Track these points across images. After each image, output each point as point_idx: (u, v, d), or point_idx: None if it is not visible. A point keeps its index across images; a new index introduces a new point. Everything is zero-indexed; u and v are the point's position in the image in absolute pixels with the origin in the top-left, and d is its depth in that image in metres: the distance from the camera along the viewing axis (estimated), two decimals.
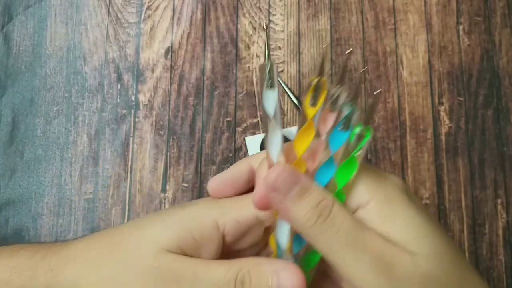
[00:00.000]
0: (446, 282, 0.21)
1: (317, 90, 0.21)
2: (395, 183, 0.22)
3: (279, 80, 0.41)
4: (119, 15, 0.42)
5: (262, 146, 0.39)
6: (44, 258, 0.27)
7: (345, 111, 0.20)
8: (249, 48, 0.41)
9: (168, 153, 0.39)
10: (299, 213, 0.21)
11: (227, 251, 0.25)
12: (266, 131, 0.22)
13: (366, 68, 0.40)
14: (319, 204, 0.21)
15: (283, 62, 0.41)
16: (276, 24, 0.42)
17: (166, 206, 0.38)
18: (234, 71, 0.41)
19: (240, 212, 0.24)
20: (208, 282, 0.23)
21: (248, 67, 0.41)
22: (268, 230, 0.25)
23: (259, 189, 0.22)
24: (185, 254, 0.24)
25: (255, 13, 0.42)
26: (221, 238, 0.24)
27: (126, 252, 0.25)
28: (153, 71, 0.41)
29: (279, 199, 0.21)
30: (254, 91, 0.40)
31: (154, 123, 0.40)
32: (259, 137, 0.38)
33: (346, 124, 0.21)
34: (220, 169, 0.38)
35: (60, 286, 0.26)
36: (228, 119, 0.40)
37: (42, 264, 0.27)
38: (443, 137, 0.40)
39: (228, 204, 0.24)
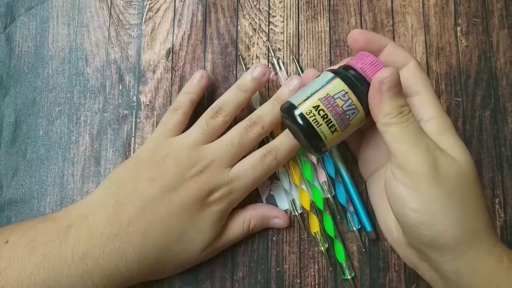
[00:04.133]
0: (470, 180, 0.29)
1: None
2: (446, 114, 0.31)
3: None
4: (120, 16, 0.42)
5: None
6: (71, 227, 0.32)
7: None
8: (249, 49, 0.42)
9: None
10: (387, 107, 0.29)
11: None
12: None
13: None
14: (403, 106, 0.29)
15: (282, 64, 0.41)
16: (276, 26, 0.42)
17: None
18: (234, 72, 0.41)
19: None
20: (232, 241, 0.36)
21: (248, 67, 0.41)
22: None
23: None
24: None
25: (255, 14, 0.42)
26: None
27: None
28: (154, 72, 0.41)
29: (377, 93, 0.29)
30: None
31: (155, 123, 0.40)
32: None
33: None
34: None
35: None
36: None
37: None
38: None
39: None
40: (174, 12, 0.42)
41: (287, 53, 0.41)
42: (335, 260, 0.38)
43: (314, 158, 0.39)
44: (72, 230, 0.31)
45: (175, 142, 0.35)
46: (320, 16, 0.42)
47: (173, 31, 0.42)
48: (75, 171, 0.40)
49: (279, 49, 0.42)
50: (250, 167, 0.35)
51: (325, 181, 0.38)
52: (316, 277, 0.38)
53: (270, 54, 0.41)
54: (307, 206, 0.38)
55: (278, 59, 0.41)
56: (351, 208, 0.38)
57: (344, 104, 0.30)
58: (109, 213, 0.32)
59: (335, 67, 0.33)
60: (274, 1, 0.42)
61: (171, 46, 0.42)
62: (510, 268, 0.28)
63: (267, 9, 0.42)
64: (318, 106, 0.30)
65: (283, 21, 0.42)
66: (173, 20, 0.42)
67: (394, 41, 0.42)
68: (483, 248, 0.28)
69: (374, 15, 0.42)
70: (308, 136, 0.31)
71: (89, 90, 0.41)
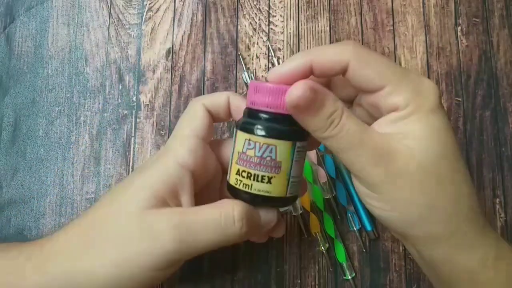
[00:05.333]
0: (437, 173, 0.25)
1: None
2: (430, 92, 0.25)
3: None
4: (120, 16, 0.42)
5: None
6: (30, 257, 0.28)
7: None
8: (249, 49, 0.41)
9: None
10: (314, 124, 0.25)
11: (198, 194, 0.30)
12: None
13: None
14: (331, 115, 0.25)
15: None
16: (276, 26, 0.42)
17: None
18: (234, 72, 0.41)
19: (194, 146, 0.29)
20: (204, 224, 0.27)
21: (248, 68, 0.41)
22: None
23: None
24: (167, 204, 0.28)
25: (255, 14, 0.42)
26: (191, 176, 0.28)
27: (110, 228, 0.28)
28: (154, 72, 0.41)
29: (297, 114, 0.25)
30: None
31: (155, 123, 0.40)
32: None
33: None
34: None
35: (49, 282, 0.27)
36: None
37: (29, 263, 0.28)
38: None
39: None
40: (174, 12, 0.42)
41: (287, 53, 0.41)
42: (335, 260, 0.38)
43: (314, 158, 0.39)
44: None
45: None
46: (320, 16, 0.42)
47: (173, 31, 0.42)
48: (74, 171, 0.39)
49: (279, 49, 0.41)
50: None
51: (325, 181, 0.38)
52: (317, 277, 0.38)
53: (270, 54, 0.41)
54: (307, 207, 0.38)
55: (278, 58, 0.41)
56: (352, 208, 0.38)
57: (255, 152, 0.26)
58: None
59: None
60: (274, 1, 0.42)
61: (171, 46, 0.42)
62: (494, 265, 0.26)
63: (267, 9, 0.42)
64: (238, 169, 0.27)
65: (283, 21, 0.42)
66: (173, 20, 0.42)
67: (394, 41, 0.42)
68: (462, 244, 0.26)
69: (374, 14, 0.42)
70: (252, 203, 0.28)
71: (88, 90, 0.41)
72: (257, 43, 0.42)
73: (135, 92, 0.41)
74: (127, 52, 0.42)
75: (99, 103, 0.41)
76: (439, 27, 0.42)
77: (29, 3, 0.43)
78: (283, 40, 0.42)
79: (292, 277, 0.38)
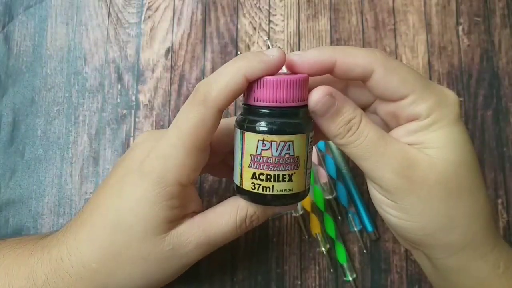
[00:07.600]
0: (457, 184, 0.25)
1: None
2: (452, 104, 0.26)
3: None
4: (119, 15, 0.42)
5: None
6: (42, 257, 0.29)
7: None
8: (249, 48, 0.41)
9: None
10: (332, 130, 0.26)
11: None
12: None
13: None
14: (349, 122, 0.25)
15: None
16: (276, 25, 0.42)
17: None
18: None
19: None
20: (224, 232, 0.28)
21: None
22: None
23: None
24: (181, 198, 0.27)
25: (255, 13, 0.42)
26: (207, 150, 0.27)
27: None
28: (153, 71, 0.41)
29: (317, 118, 0.26)
30: None
31: (154, 123, 0.40)
32: None
33: None
34: None
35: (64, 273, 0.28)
36: None
37: (40, 262, 0.29)
38: None
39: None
40: (174, 10, 0.42)
41: (287, 52, 0.41)
42: (336, 262, 0.37)
43: (315, 158, 0.38)
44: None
45: None
46: (321, 15, 0.42)
47: (173, 30, 0.42)
48: (73, 171, 0.39)
49: (280, 48, 0.41)
50: None
51: (326, 182, 0.38)
52: (317, 278, 0.37)
53: None
54: (308, 207, 0.38)
55: None
56: (352, 209, 0.38)
57: (272, 152, 0.25)
58: None
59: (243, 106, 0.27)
60: (274, 0, 0.42)
61: (170, 45, 0.41)
62: (505, 273, 0.26)
63: (268, 8, 0.42)
64: (254, 173, 0.26)
65: (284, 20, 0.42)
66: (173, 18, 0.42)
67: (395, 40, 0.41)
68: (476, 253, 0.26)
69: (375, 14, 0.42)
70: (274, 204, 0.27)
71: (87, 89, 0.41)
72: (257, 42, 0.41)
73: (134, 92, 0.41)
74: (126, 51, 0.41)
75: (98, 103, 0.40)
76: (440, 26, 0.42)
77: (28, 2, 0.42)
78: (284, 39, 0.41)
79: (292, 278, 0.37)
